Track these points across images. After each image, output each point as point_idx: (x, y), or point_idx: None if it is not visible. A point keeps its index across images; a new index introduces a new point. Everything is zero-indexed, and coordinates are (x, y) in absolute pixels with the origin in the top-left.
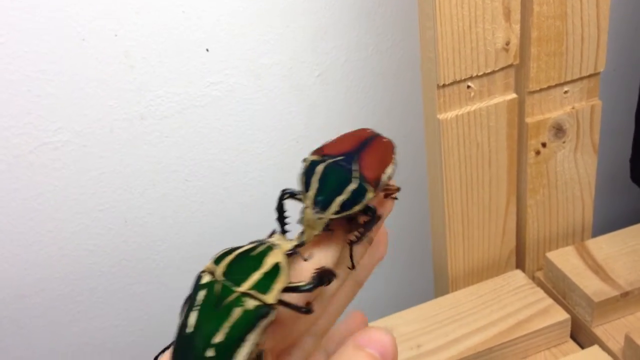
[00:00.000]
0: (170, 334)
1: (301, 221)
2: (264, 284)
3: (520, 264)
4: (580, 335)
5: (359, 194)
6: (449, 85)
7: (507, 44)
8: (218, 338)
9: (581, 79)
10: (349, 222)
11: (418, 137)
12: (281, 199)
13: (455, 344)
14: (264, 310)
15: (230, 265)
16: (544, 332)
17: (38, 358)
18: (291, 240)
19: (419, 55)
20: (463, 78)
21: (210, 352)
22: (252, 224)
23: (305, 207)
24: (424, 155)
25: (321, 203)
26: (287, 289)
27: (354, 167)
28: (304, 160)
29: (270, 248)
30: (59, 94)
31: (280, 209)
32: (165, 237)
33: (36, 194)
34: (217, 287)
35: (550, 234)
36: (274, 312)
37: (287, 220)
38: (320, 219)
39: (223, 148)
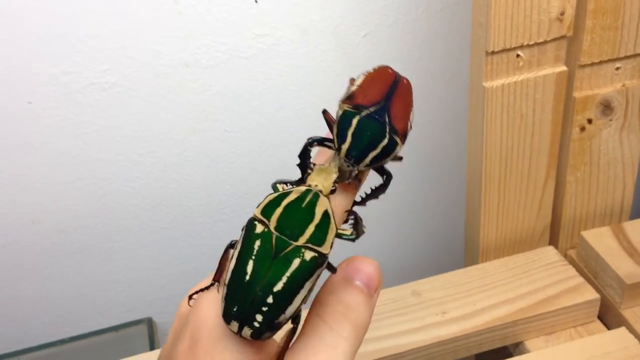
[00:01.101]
0: (198, 281)
1: (334, 169)
2: (319, 237)
3: (553, 241)
4: (608, 316)
5: (390, 148)
6: (498, 52)
7: (562, 14)
8: (278, 286)
9: (635, 55)
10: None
11: (461, 104)
12: (308, 145)
13: (480, 313)
14: (320, 260)
15: (282, 217)
16: (571, 310)
17: (71, 291)
18: (330, 173)
19: (470, 20)
20: (513, 46)
21: (270, 299)
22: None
23: (339, 157)
24: (465, 123)
25: (355, 157)
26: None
27: (387, 120)
28: (339, 107)
29: (316, 196)
30: (107, 34)
31: (305, 155)
32: (201, 186)
33: (81, 132)
34: (274, 239)
35: (587, 212)
36: (327, 259)
37: (310, 167)
38: (352, 170)
39: (265, 101)
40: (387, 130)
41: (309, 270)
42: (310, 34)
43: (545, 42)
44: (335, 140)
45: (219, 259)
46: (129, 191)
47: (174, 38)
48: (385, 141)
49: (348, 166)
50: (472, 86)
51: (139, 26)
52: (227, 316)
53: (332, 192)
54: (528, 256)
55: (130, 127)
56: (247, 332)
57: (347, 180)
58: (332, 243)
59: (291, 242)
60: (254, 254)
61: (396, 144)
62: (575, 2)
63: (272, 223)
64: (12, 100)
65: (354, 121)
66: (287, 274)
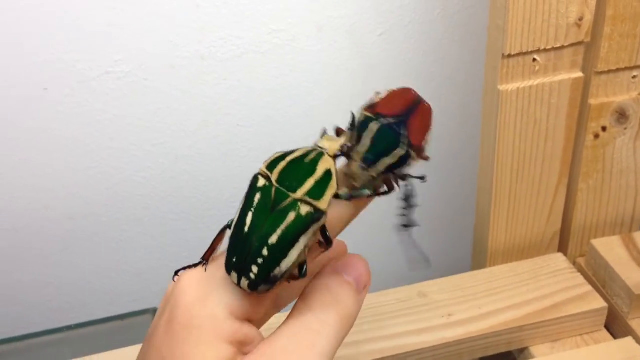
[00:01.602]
0: None
1: (347, 171)
2: (317, 191)
3: (562, 248)
4: (615, 326)
5: (404, 159)
6: (514, 56)
7: (580, 19)
8: (273, 239)
9: None
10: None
11: (475, 108)
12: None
13: (486, 317)
14: (316, 215)
15: (284, 171)
16: (578, 318)
17: (79, 279)
18: (338, 140)
19: (486, 23)
20: (530, 50)
21: (265, 251)
22: None
23: (354, 160)
24: (478, 127)
25: (369, 161)
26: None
27: (404, 132)
28: (360, 113)
29: (321, 154)
30: (125, 24)
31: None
32: (212, 178)
33: (95, 120)
34: (273, 192)
35: (597, 220)
36: (325, 217)
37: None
38: (364, 174)
39: (278, 97)
40: (403, 141)
41: (304, 225)
42: (326, 31)
43: (562, 47)
44: (353, 142)
45: (213, 238)
46: (139, 181)
47: (190, 30)
48: (400, 151)
49: (362, 169)
50: (486, 89)
51: (156, 17)
52: (228, 266)
53: (337, 156)
54: (536, 262)
55: (143, 117)
56: (244, 282)
57: (359, 184)
58: (330, 201)
59: (289, 194)
60: (254, 206)
61: (410, 156)
62: (594, 8)
63: (274, 176)
64: (28, 86)
65: (373, 126)
66: (282, 226)
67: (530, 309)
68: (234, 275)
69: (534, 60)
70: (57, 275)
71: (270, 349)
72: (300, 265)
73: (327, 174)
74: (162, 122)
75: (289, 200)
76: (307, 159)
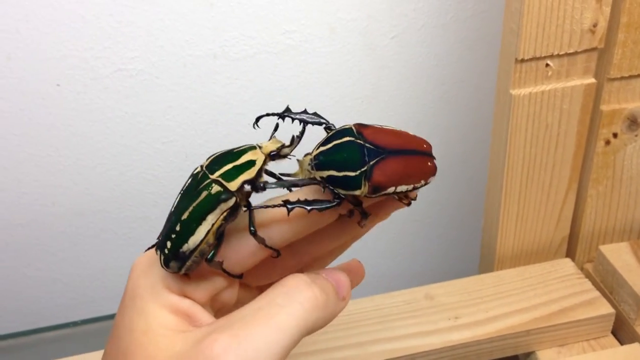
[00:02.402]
0: None
1: (299, 162)
2: (231, 174)
3: (570, 253)
4: (621, 332)
5: (349, 183)
6: (527, 60)
7: (595, 25)
8: (184, 215)
9: None
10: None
11: (486, 111)
12: (322, 122)
13: (493, 321)
14: (224, 195)
15: (215, 158)
16: (585, 323)
17: (86, 275)
18: (279, 142)
19: (499, 28)
20: (543, 55)
21: (178, 227)
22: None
23: (308, 154)
24: (489, 130)
25: (318, 164)
26: (249, 182)
27: (370, 162)
28: (349, 126)
29: (252, 148)
30: (138, 22)
31: (316, 117)
32: None
33: (106, 117)
34: (199, 176)
35: (606, 227)
36: (233, 199)
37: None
38: (307, 170)
39: (289, 97)
40: (363, 170)
41: (211, 203)
42: (339, 33)
43: (575, 52)
44: (321, 140)
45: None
46: (149, 179)
47: (204, 29)
48: (353, 174)
49: (309, 165)
50: (498, 93)
51: (170, 15)
52: (157, 245)
53: (272, 156)
54: (544, 267)
55: (154, 115)
56: (160, 258)
57: (303, 176)
58: (242, 185)
59: (209, 176)
60: (183, 189)
61: (359, 187)
62: (609, 14)
63: (207, 162)
64: (41, 81)
65: (347, 139)
66: (194, 204)
67: (537, 314)
68: (158, 252)
69: (547, 65)
70: (65, 271)
71: (228, 319)
72: (210, 247)
73: (249, 163)
74: (172, 120)
75: (206, 181)
76: (237, 150)
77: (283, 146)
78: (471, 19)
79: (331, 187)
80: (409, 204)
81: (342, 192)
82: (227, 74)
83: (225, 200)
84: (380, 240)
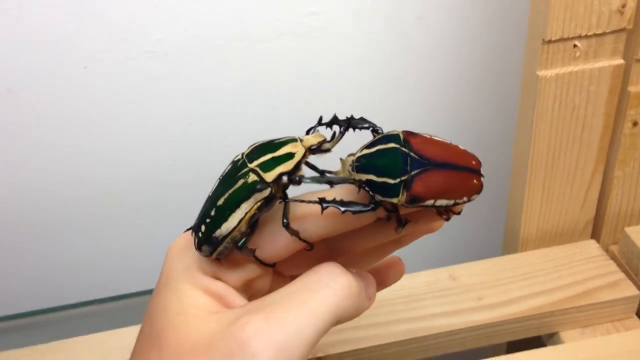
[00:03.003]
0: None
1: (341, 161)
2: (269, 165)
3: (595, 235)
4: None
5: (387, 190)
6: (555, 41)
7: (623, 6)
8: (220, 201)
9: None
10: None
11: (512, 92)
12: (369, 126)
13: (517, 301)
14: (259, 185)
15: (255, 148)
16: (610, 305)
17: (118, 255)
18: (321, 136)
19: (527, 8)
20: (571, 36)
21: (213, 212)
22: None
23: (351, 155)
24: (515, 111)
25: (358, 166)
26: (286, 174)
27: (412, 172)
28: (397, 132)
29: (293, 140)
30: (164, 4)
31: (361, 121)
32: None
33: (131, 100)
34: (239, 163)
35: (632, 209)
36: (268, 189)
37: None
38: (348, 171)
39: (314, 80)
40: (403, 179)
41: (246, 191)
42: (362, 15)
43: (604, 33)
44: (367, 143)
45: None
46: (176, 160)
47: (229, 10)
48: (392, 182)
49: (350, 166)
50: (525, 75)
51: None
52: (192, 228)
53: (313, 150)
54: (569, 249)
55: (178, 97)
56: (195, 241)
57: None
58: (279, 177)
59: (248, 165)
60: (222, 175)
61: (397, 195)
62: None
63: (247, 150)
64: (69, 64)
65: (391, 145)
66: (230, 190)
67: (562, 295)
68: (193, 234)
69: (575, 46)
70: (97, 253)
71: (261, 302)
72: (242, 234)
73: (287, 155)
74: (199, 102)
75: (245, 169)
76: (278, 141)
77: (325, 141)
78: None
79: (369, 191)
80: (448, 219)
81: (379, 197)
82: (252, 56)
83: (260, 190)
84: None
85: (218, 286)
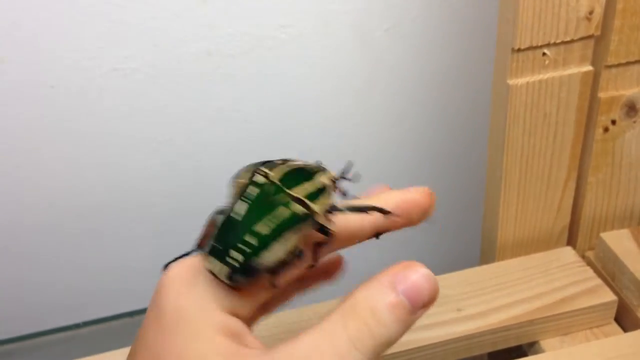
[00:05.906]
0: None
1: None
2: (314, 195)
3: (571, 241)
4: (625, 319)
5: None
6: (524, 50)
7: (591, 13)
8: (261, 228)
9: None
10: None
11: (483, 102)
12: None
13: (496, 311)
14: (308, 216)
15: (286, 173)
16: (588, 311)
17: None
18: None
19: (495, 17)
20: (540, 44)
21: (250, 238)
22: None
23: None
24: (486, 120)
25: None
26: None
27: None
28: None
29: (323, 170)
30: (131, 21)
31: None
32: (218, 175)
33: (102, 118)
34: (270, 188)
35: (607, 214)
36: (315, 221)
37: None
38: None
39: (284, 92)
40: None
41: (291, 220)
42: (331, 27)
43: (572, 41)
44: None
45: (204, 226)
46: (146, 178)
47: (197, 26)
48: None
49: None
50: (495, 83)
51: (163, 13)
52: (211, 253)
53: (335, 182)
54: (545, 256)
55: (150, 114)
56: (222, 270)
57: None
58: (326, 209)
59: (286, 190)
60: (249, 198)
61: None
62: (604, 1)
63: (277, 174)
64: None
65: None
66: (273, 219)
67: (540, 303)
68: (213, 260)
69: (544, 54)
70: (65, 274)
71: (285, 352)
72: (281, 265)
73: (325, 186)
74: (168, 118)
75: (285, 196)
76: (309, 168)
77: (340, 176)
78: (466, 9)
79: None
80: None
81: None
82: (222, 71)
83: (306, 221)
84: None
85: (236, 325)
